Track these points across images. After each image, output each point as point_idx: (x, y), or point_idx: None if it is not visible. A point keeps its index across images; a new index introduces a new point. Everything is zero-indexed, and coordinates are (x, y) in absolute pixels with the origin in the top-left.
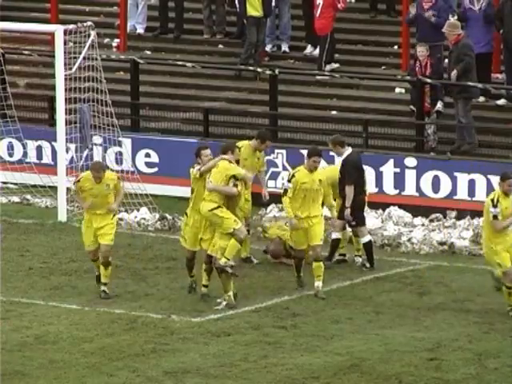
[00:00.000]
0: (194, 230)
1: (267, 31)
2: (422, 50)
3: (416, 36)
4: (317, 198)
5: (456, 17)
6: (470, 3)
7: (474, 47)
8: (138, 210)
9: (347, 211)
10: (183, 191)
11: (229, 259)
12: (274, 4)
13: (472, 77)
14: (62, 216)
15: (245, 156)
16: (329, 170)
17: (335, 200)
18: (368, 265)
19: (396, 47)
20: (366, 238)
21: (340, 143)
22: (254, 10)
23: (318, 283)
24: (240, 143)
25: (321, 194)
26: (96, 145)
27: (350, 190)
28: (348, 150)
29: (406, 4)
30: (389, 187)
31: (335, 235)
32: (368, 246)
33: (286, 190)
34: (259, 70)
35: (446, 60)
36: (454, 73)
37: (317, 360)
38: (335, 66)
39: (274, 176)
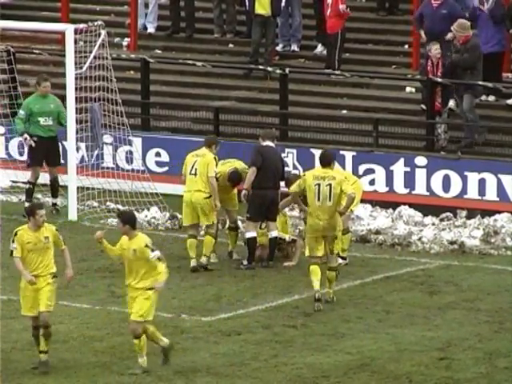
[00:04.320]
0: None
1: (279, 31)
2: (436, 49)
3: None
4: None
5: (467, 15)
6: (479, 3)
7: (481, 48)
8: (149, 209)
9: (243, 192)
10: None
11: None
12: (284, 4)
13: (478, 74)
14: (73, 215)
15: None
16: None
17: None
18: (245, 262)
19: (406, 46)
20: (250, 234)
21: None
22: (262, 8)
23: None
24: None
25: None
26: (106, 144)
27: (250, 172)
28: (267, 143)
29: (417, 3)
30: (399, 186)
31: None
32: (250, 243)
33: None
34: (269, 69)
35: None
36: (454, 56)
37: (327, 359)
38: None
39: None
